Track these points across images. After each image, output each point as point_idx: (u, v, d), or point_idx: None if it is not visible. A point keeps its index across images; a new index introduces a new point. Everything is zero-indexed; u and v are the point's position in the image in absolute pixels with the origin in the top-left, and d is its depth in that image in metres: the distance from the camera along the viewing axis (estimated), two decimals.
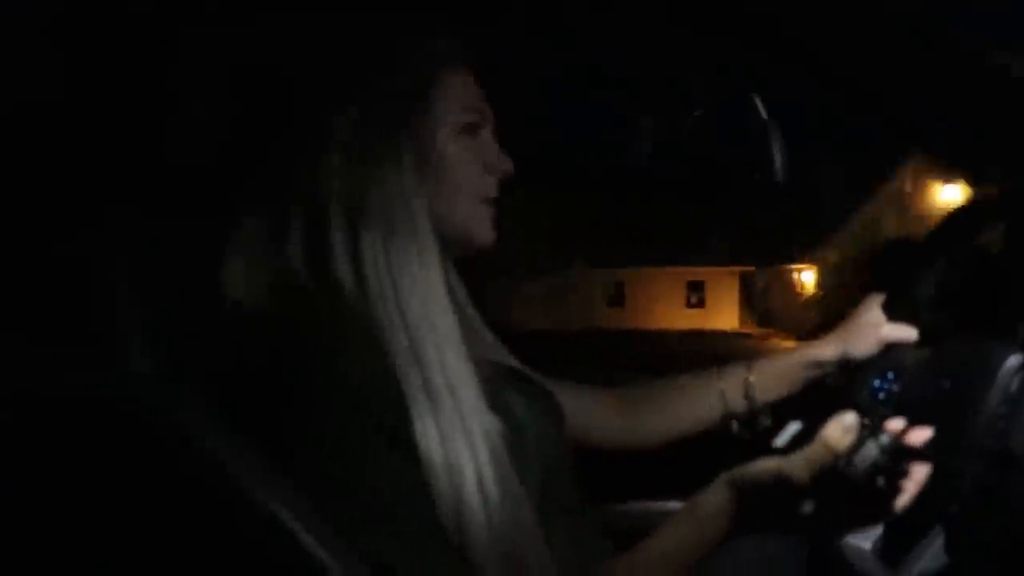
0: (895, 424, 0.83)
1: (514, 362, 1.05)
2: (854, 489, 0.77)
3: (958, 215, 1.05)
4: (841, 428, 0.80)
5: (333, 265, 0.87)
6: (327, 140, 0.89)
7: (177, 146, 1.02)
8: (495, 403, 0.90)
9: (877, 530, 1.03)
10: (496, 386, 0.95)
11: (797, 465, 0.81)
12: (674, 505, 1.37)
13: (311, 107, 0.91)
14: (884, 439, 0.78)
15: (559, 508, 0.95)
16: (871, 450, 0.77)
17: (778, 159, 1.05)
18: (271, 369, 0.83)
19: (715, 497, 0.87)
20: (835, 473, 0.77)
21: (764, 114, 1.05)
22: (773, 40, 1.04)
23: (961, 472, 0.90)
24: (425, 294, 0.87)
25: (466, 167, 0.94)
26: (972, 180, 1.04)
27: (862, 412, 1.12)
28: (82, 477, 0.78)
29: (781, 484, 0.82)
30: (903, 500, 0.80)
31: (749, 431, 1.21)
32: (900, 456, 0.78)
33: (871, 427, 0.79)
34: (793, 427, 0.85)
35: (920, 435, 0.82)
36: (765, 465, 0.84)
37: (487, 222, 0.97)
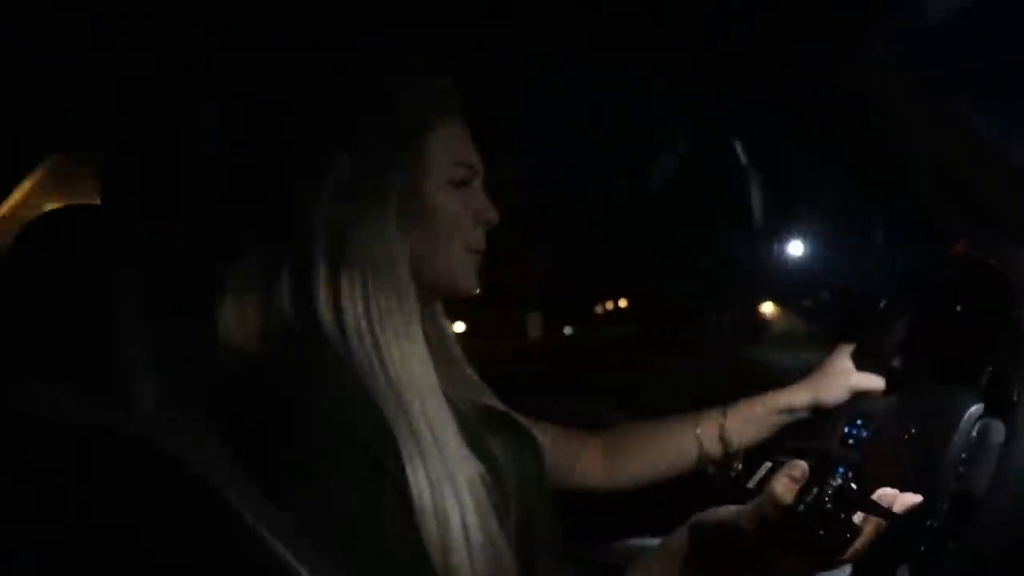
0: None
1: (497, 403, 1.07)
2: (802, 535, 0.75)
3: (928, 272, 1.09)
4: (785, 481, 0.78)
5: (317, 312, 0.88)
6: (317, 189, 0.91)
7: (184, 185, 1.05)
8: (476, 446, 0.92)
9: (845, 571, 1.06)
10: (478, 428, 0.97)
11: (745, 515, 0.79)
12: (655, 542, 1.39)
13: (303, 155, 0.93)
14: (831, 488, 0.77)
15: (539, 548, 0.98)
16: (818, 497, 0.76)
17: None
18: (263, 407, 0.84)
19: (681, 539, 0.86)
20: (785, 521, 0.76)
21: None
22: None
23: (928, 513, 0.93)
24: (405, 344, 0.89)
25: (456, 218, 0.95)
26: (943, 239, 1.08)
27: (833, 456, 1.16)
28: (82, 503, 0.80)
29: (732, 531, 0.80)
30: (852, 549, 0.78)
31: (724, 473, 1.24)
32: (847, 504, 0.77)
33: (819, 474, 0.77)
34: (765, 468, 0.87)
35: (887, 495, 0.82)
36: (721, 512, 0.83)
37: (472, 271, 0.98)
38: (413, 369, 0.88)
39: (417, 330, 0.91)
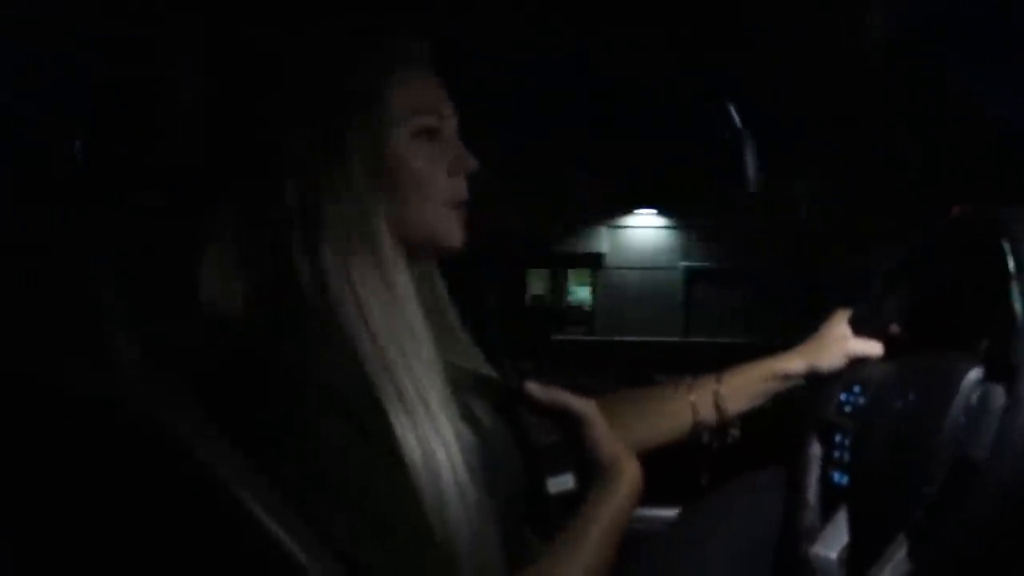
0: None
1: (487, 368, 1.05)
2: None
3: (927, 238, 1.07)
4: None
5: (298, 279, 0.88)
6: (284, 155, 0.89)
7: (161, 149, 1.03)
8: (463, 412, 0.91)
9: (843, 540, 1.04)
10: (465, 394, 0.96)
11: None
12: (650, 512, 1.38)
13: (267, 122, 0.91)
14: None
15: (522, 519, 0.97)
16: None
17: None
18: (248, 373, 0.83)
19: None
20: None
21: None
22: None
23: (925, 481, 0.92)
24: (388, 303, 0.87)
25: (427, 171, 0.93)
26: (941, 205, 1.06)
27: (830, 424, 1.15)
28: (65, 472, 0.79)
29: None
30: None
31: (719, 441, 1.23)
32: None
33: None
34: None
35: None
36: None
37: (454, 226, 0.95)
38: (399, 329, 0.87)
39: (402, 289, 0.89)
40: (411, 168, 0.91)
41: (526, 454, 0.98)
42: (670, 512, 1.29)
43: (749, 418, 1.22)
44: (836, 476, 1.10)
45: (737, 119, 1.09)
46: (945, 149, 1.03)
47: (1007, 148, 0.95)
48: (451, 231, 0.95)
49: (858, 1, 1.06)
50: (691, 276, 10.56)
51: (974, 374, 0.94)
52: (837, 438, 1.12)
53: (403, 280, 0.90)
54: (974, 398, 0.93)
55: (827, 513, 1.08)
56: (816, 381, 1.20)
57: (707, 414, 1.21)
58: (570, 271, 11.50)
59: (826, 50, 1.09)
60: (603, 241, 10.67)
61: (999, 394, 0.90)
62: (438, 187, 0.93)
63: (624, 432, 1.22)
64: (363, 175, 0.89)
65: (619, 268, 10.67)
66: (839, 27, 1.06)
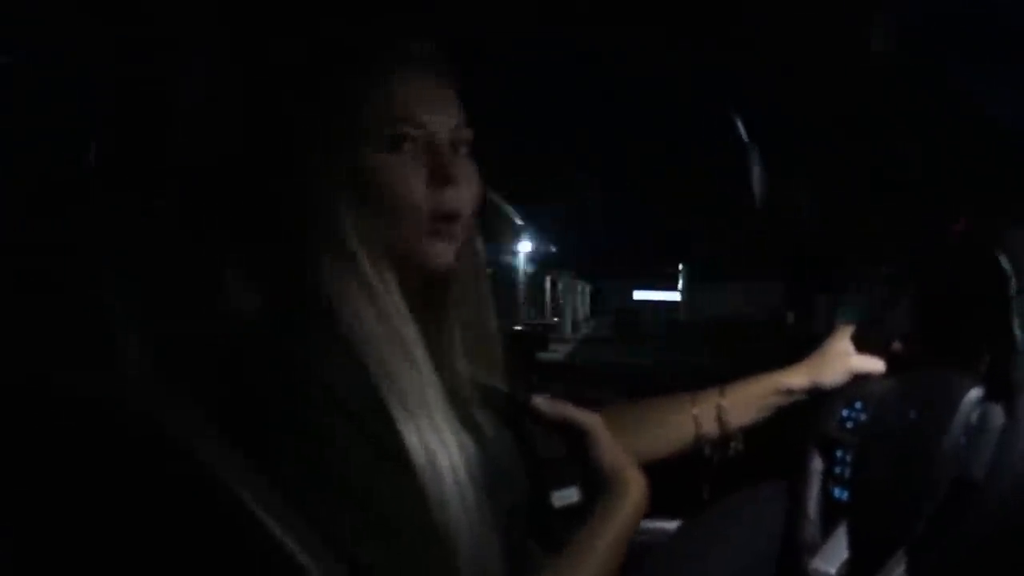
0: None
1: (499, 383, 1.06)
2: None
3: (928, 253, 1.08)
4: None
5: (301, 281, 0.88)
6: (276, 162, 0.90)
7: (176, 152, 1.04)
8: (468, 423, 0.92)
9: (842, 556, 1.05)
10: (471, 406, 0.97)
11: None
12: (651, 524, 1.39)
13: (264, 128, 0.93)
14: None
15: (526, 531, 0.98)
16: None
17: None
18: (251, 373, 0.84)
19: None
20: None
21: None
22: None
23: (924, 498, 0.93)
24: (380, 314, 0.87)
25: (397, 184, 0.88)
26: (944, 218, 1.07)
27: (832, 440, 1.16)
28: (67, 472, 0.79)
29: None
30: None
31: (721, 454, 1.24)
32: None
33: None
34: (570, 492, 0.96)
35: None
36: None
37: (432, 244, 0.90)
38: (393, 339, 0.86)
39: (384, 303, 0.88)
40: (379, 177, 0.88)
41: (531, 467, 0.99)
42: (672, 524, 1.30)
43: (751, 432, 1.23)
44: (837, 491, 1.11)
45: (743, 132, 1.09)
46: (945, 150, 1.03)
47: (1007, 149, 0.95)
48: (425, 249, 0.90)
49: (858, 3, 1.06)
50: None
51: (974, 393, 0.96)
52: (838, 453, 1.13)
53: (388, 296, 0.88)
54: (974, 417, 0.94)
55: (828, 528, 1.09)
56: (818, 396, 1.21)
57: (710, 427, 1.21)
58: None
59: (825, 52, 1.09)
60: None
61: (998, 413, 0.91)
62: (413, 201, 0.88)
63: (626, 444, 1.23)
64: (335, 188, 0.88)
65: None
66: (839, 28, 1.06)
